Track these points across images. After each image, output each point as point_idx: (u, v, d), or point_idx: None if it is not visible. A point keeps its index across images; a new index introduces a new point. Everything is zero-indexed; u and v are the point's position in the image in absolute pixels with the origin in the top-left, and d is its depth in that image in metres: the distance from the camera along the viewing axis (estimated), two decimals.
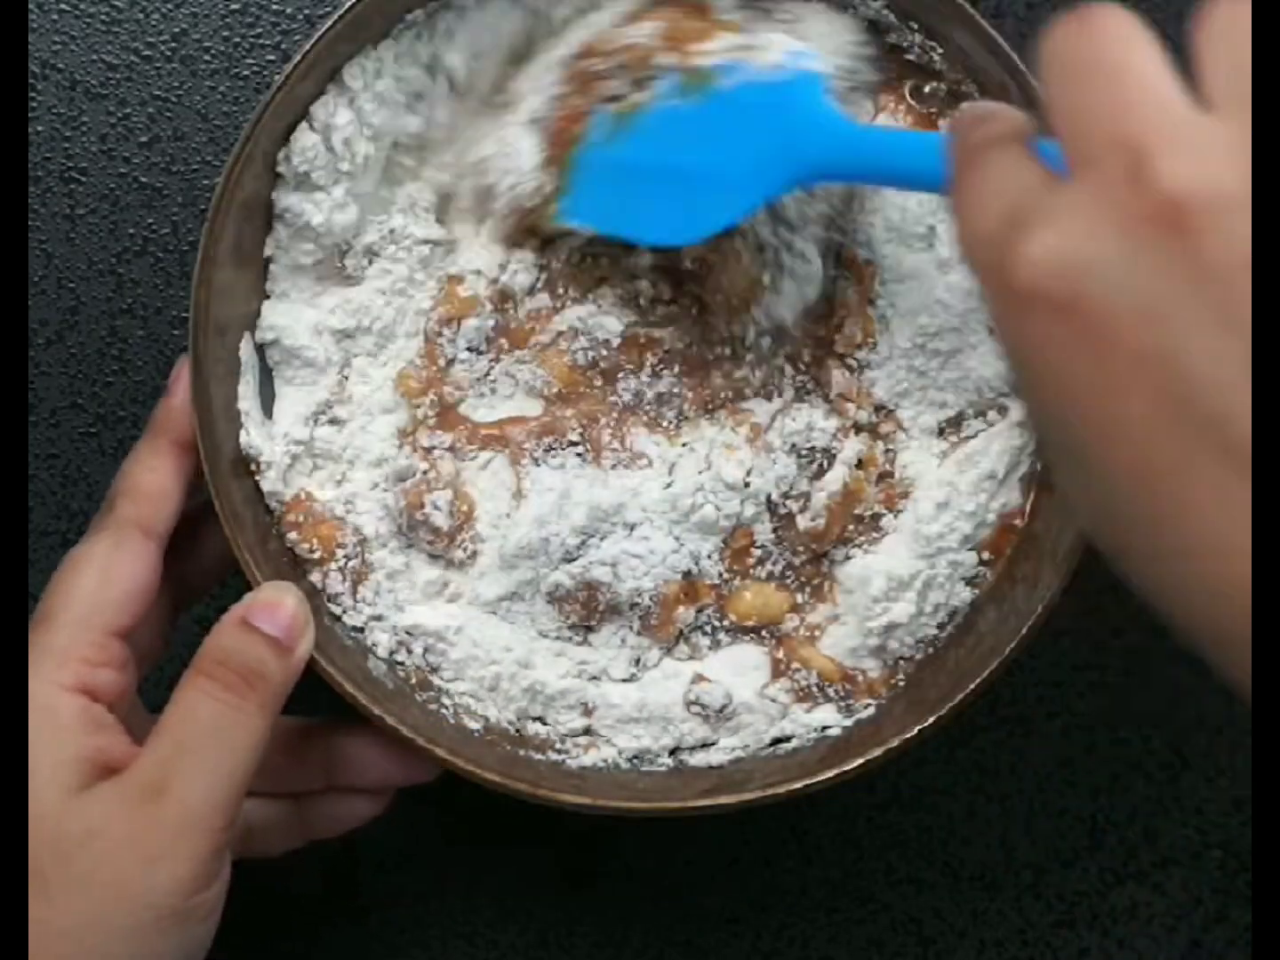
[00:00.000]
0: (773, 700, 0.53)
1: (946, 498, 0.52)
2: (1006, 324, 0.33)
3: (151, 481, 0.48)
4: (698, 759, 0.52)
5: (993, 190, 0.34)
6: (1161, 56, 0.32)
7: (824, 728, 0.53)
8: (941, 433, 0.53)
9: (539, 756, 0.52)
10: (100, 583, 0.46)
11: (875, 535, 0.53)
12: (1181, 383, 0.30)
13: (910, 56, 0.53)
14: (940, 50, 0.52)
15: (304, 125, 0.50)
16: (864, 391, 0.53)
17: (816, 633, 0.53)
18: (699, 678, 0.53)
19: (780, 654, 0.53)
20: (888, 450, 0.53)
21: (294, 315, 0.51)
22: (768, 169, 0.48)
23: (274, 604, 0.46)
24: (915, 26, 0.51)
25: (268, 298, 0.51)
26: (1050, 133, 0.34)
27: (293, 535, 0.51)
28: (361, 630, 0.52)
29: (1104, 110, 0.32)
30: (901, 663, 0.53)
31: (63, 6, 0.57)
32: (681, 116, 0.49)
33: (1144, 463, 0.31)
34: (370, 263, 0.52)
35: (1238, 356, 0.29)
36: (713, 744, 0.53)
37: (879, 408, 0.53)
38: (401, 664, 0.52)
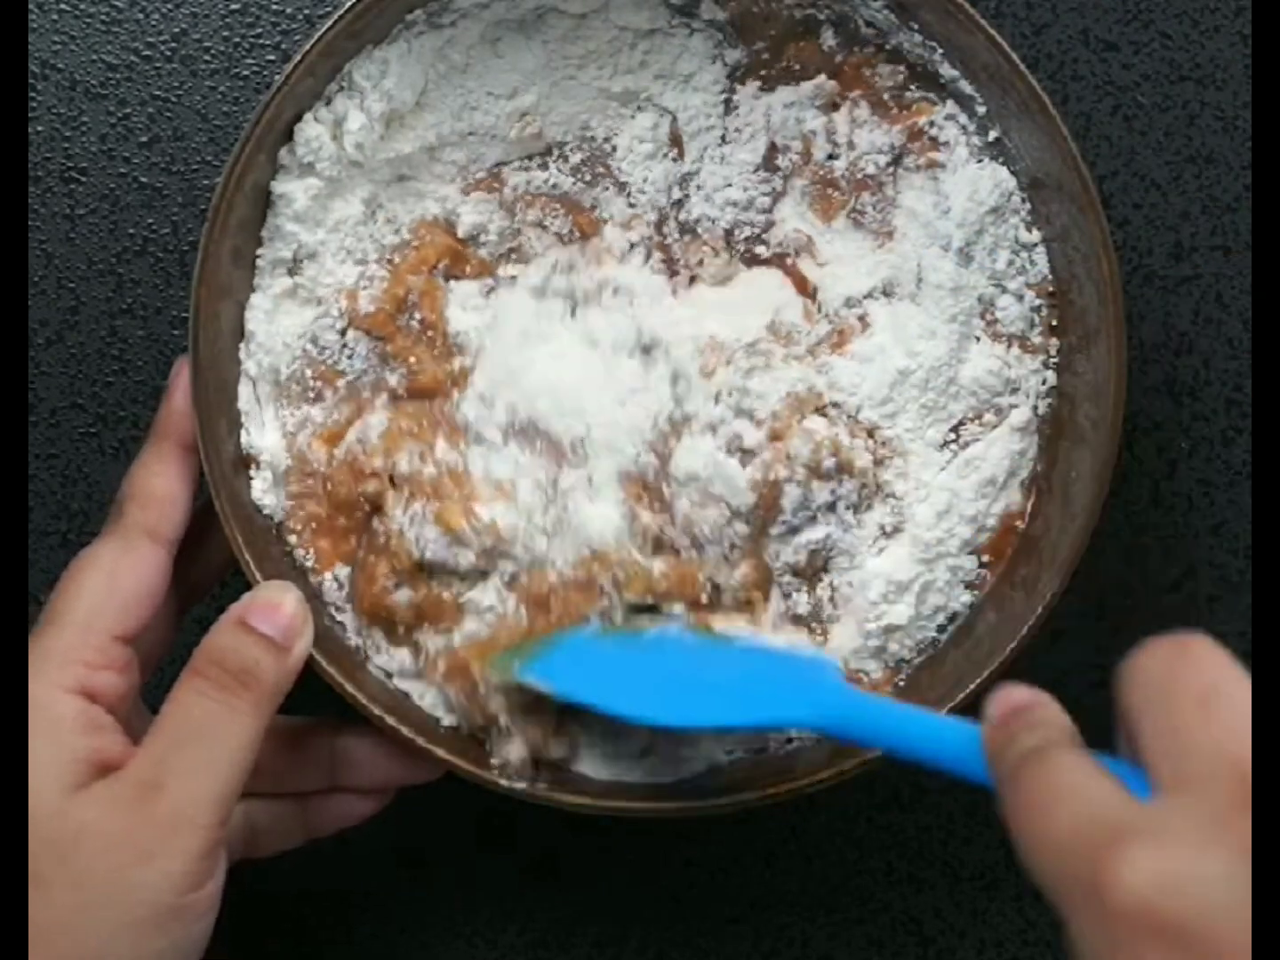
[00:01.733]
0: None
1: (947, 504, 0.52)
2: (1101, 944, 0.32)
3: (158, 485, 0.48)
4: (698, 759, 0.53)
5: (1066, 801, 0.34)
6: (1248, 686, 0.33)
7: None
8: (945, 445, 0.53)
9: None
10: (107, 587, 0.46)
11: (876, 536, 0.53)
12: None
13: (910, 58, 0.53)
14: (941, 51, 0.52)
15: (309, 117, 0.50)
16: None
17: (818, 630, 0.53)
18: None
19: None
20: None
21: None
22: (772, 707, 0.47)
23: (273, 604, 0.46)
24: (915, 27, 0.51)
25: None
26: (1133, 748, 0.34)
27: (292, 539, 0.51)
28: (362, 630, 0.52)
29: (1204, 733, 0.32)
30: (902, 664, 0.53)
31: (63, 6, 0.57)
32: (686, 640, 0.50)
33: None
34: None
35: None
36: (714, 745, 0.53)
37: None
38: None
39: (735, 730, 0.51)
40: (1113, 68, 0.59)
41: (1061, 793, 0.34)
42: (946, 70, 0.52)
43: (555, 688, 0.48)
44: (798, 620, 0.53)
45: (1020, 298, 0.52)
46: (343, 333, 0.52)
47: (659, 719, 0.47)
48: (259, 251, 0.51)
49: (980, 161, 0.52)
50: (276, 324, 0.51)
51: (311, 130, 0.50)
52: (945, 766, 0.43)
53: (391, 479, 0.51)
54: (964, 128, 0.53)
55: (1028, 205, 0.52)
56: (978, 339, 0.53)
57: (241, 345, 0.51)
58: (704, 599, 0.51)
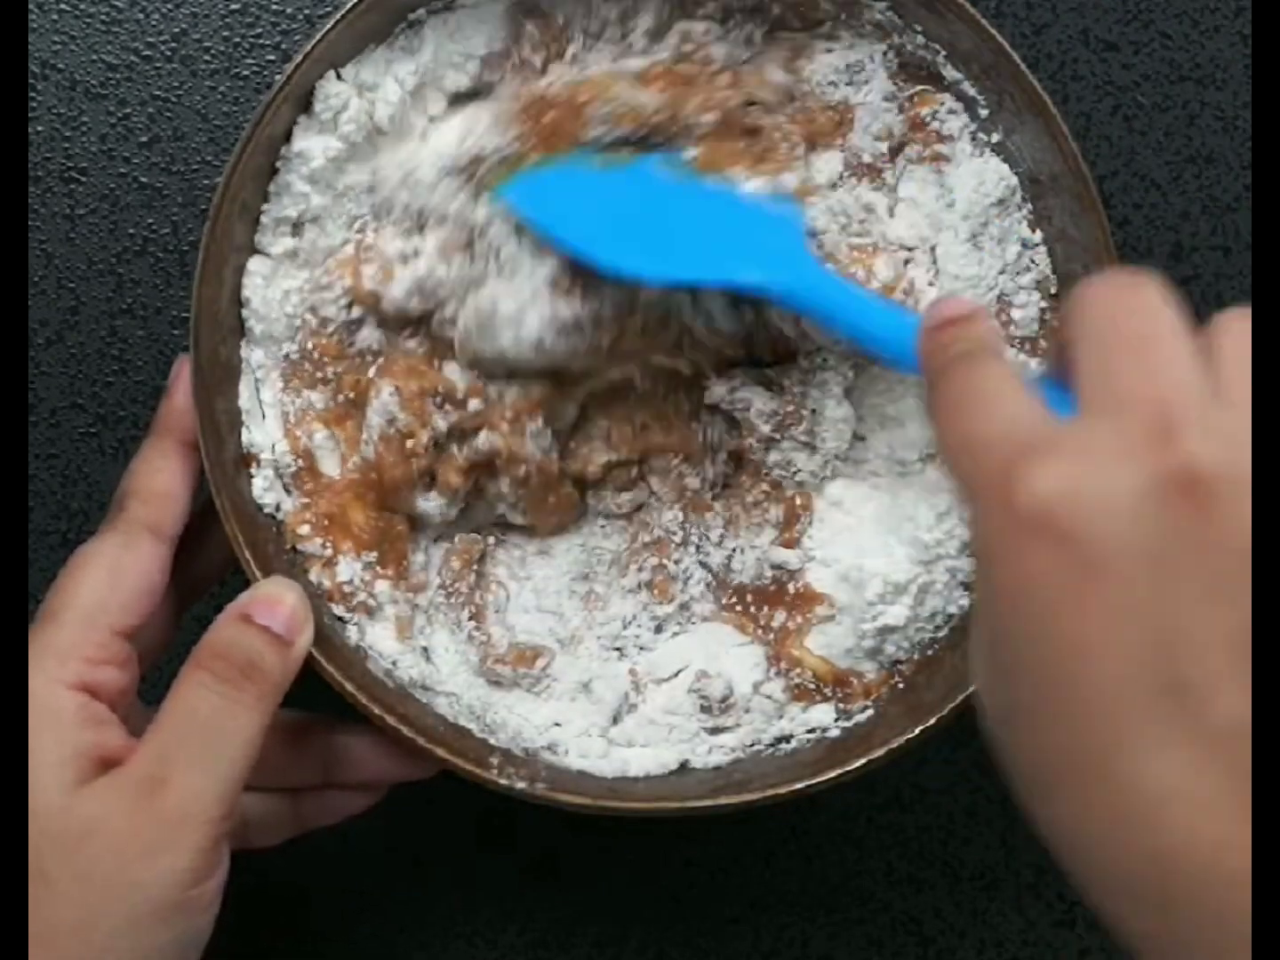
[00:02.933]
0: (769, 698, 0.53)
1: (947, 506, 0.52)
2: (997, 540, 0.34)
3: (160, 482, 0.48)
4: (698, 760, 0.53)
5: (988, 405, 0.36)
6: (1188, 333, 0.34)
7: (822, 729, 0.53)
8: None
9: (540, 756, 0.52)
10: (108, 582, 0.46)
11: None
12: (1167, 643, 0.31)
13: (912, 60, 0.53)
14: (943, 53, 0.52)
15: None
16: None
17: (802, 624, 0.53)
18: (702, 674, 0.53)
19: (775, 652, 0.53)
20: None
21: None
22: (738, 261, 0.48)
23: (274, 599, 0.46)
24: (919, 29, 0.51)
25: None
26: (1063, 369, 0.36)
27: (304, 529, 0.51)
28: (363, 629, 0.52)
29: (1134, 371, 0.34)
30: (899, 666, 0.53)
31: (63, 6, 0.57)
32: (661, 182, 0.49)
33: (1108, 719, 0.32)
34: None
35: (1229, 629, 0.31)
36: (714, 743, 0.53)
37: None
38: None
39: (685, 283, 0.50)
40: (1113, 68, 0.59)
41: (986, 396, 0.36)
42: (949, 72, 0.52)
43: (527, 213, 0.49)
44: None
45: (1031, 296, 0.52)
46: (349, 307, 0.52)
47: (621, 264, 0.48)
48: (263, 207, 0.51)
49: (984, 156, 0.53)
50: (275, 288, 0.51)
51: (334, 88, 0.50)
52: (880, 350, 0.45)
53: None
54: (967, 124, 0.53)
55: (1029, 205, 0.52)
56: None
57: (244, 311, 0.50)
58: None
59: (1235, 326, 0.35)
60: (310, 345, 0.52)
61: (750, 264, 0.48)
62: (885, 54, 0.53)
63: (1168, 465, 0.32)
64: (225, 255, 0.49)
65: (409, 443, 0.51)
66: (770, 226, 0.49)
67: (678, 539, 0.54)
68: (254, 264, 0.50)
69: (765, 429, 0.53)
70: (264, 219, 0.51)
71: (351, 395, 0.52)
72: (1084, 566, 0.32)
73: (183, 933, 0.43)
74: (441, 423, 0.51)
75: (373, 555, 0.52)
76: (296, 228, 0.51)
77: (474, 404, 0.51)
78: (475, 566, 0.54)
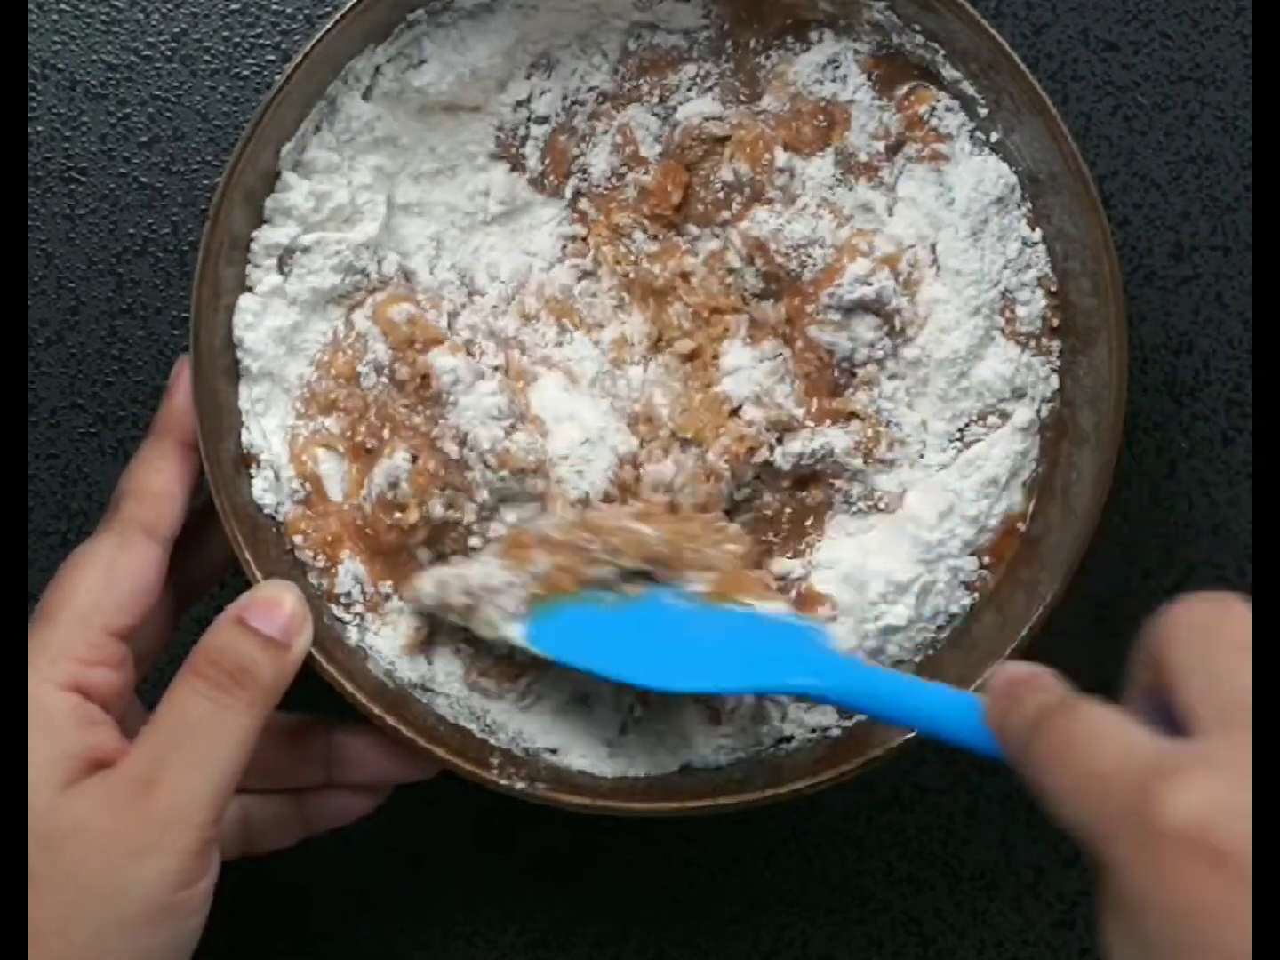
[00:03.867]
0: (770, 699, 0.53)
1: (949, 505, 0.52)
2: (1144, 866, 0.33)
3: (157, 482, 0.48)
4: (699, 760, 0.52)
5: (1099, 741, 0.35)
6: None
7: (823, 729, 0.53)
8: (950, 441, 0.53)
9: (540, 757, 0.52)
10: (103, 582, 0.46)
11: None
12: None
13: (912, 60, 0.53)
14: (943, 52, 0.52)
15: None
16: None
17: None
18: None
19: None
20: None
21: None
22: (767, 672, 0.48)
23: (272, 602, 0.46)
24: (918, 29, 0.51)
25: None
26: (1158, 697, 0.36)
27: (298, 539, 0.51)
28: (363, 629, 0.52)
29: (1240, 681, 0.34)
30: (900, 665, 0.53)
31: (63, 6, 0.57)
32: (678, 609, 0.49)
33: None
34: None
35: None
36: (715, 743, 0.53)
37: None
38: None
39: (729, 692, 0.51)
40: (1113, 68, 0.59)
41: (1097, 734, 0.35)
42: (949, 71, 0.52)
43: (550, 652, 0.49)
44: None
45: (1034, 293, 0.52)
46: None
47: (653, 683, 0.48)
48: (267, 202, 0.51)
49: (983, 155, 0.53)
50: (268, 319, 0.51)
51: (355, 109, 0.51)
52: (940, 733, 0.44)
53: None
54: (965, 122, 0.53)
55: (1028, 203, 0.52)
56: (994, 338, 0.52)
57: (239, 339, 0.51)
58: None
59: None
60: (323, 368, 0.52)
61: (794, 670, 0.47)
62: (856, 52, 0.53)
63: None
64: (225, 255, 0.49)
65: (397, 515, 0.51)
66: (798, 636, 0.49)
67: None
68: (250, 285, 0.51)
69: (856, 462, 0.53)
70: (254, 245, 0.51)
71: (370, 445, 0.52)
72: (1241, 881, 0.31)
73: (170, 935, 0.43)
74: (439, 510, 0.51)
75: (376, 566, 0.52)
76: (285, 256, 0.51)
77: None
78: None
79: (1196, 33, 0.58)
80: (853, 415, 0.53)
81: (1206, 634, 0.35)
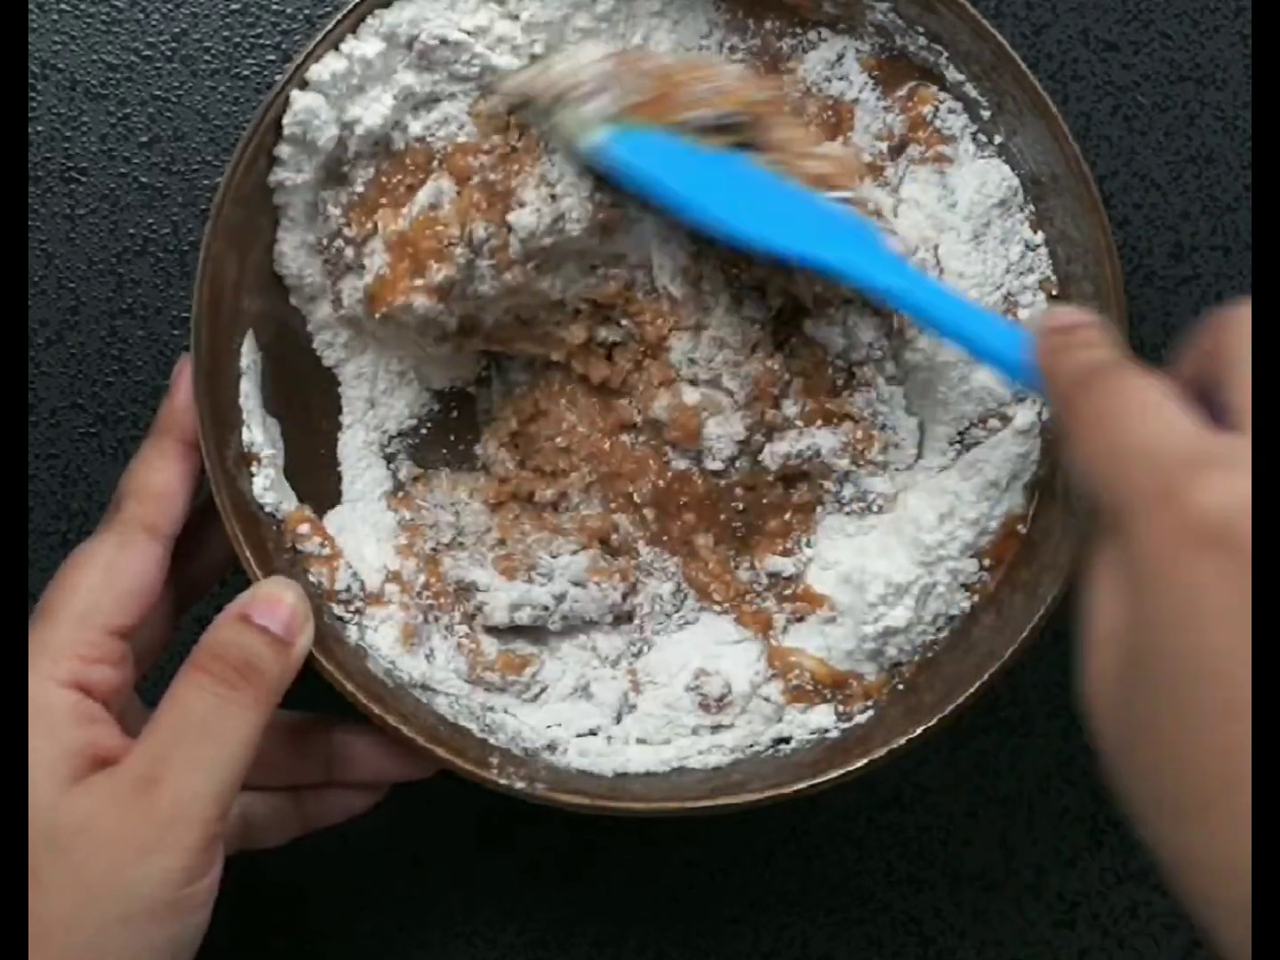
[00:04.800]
0: (766, 699, 0.53)
1: (949, 507, 0.52)
2: (1162, 551, 0.33)
3: (159, 481, 0.48)
4: (697, 760, 0.53)
5: (1143, 415, 0.35)
6: None
7: (822, 730, 0.53)
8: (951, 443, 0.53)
9: (539, 757, 0.52)
10: (103, 581, 0.46)
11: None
12: None
13: (916, 62, 0.53)
14: (946, 54, 0.52)
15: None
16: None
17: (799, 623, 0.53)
18: (701, 671, 0.53)
19: (774, 654, 0.53)
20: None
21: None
22: (834, 249, 0.48)
23: (274, 599, 0.46)
24: (921, 30, 0.51)
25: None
26: (1208, 391, 0.35)
27: (304, 529, 0.51)
28: (363, 628, 0.52)
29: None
30: (900, 667, 0.53)
31: (63, 6, 0.57)
32: (758, 171, 0.49)
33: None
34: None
35: None
36: (714, 742, 0.53)
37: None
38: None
39: (792, 253, 0.49)
40: (1113, 68, 0.59)
41: (1138, 406, 0.35)
42: (952, 74, 0.52)
43: (631, 159, 0.48)
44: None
45: (1036, 296, 0.52)
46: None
47: (724, 219, 0.48)
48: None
49: (986, 157, 0.53)
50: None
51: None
52: (980, 352, 0.45)
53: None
54: (968, 124, 0.53)
55: (1031, 206, 0.52)
56: None
57: (246, 340, 0.50)
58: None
59: None
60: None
61: (857, 254, 0.48)
62: (858, 50, 0.53)
63: None
64: (226, 255, 0.49)
65: (439, 229, 0.50)
66: (865, 232, 0.49)
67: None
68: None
69: (843, 464, 0.53)
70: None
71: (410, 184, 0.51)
72: (1247, 568, 0.32)
73: (175, 932, 0.43)
74: (482, 232, 0.50)
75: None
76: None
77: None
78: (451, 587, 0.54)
79: (1196, 33, 0.58)
80: (846, 417, 0.53)
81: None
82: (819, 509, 0.54)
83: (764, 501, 0.54)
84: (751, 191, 0.49)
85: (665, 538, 0.55)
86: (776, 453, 0.52)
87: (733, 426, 0.52)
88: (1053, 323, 0.40)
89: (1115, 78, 0.59)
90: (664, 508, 0.54)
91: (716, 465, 0.53)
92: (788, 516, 0.54)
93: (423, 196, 0.50)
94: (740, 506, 0.54)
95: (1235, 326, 0.36)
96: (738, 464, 0.53)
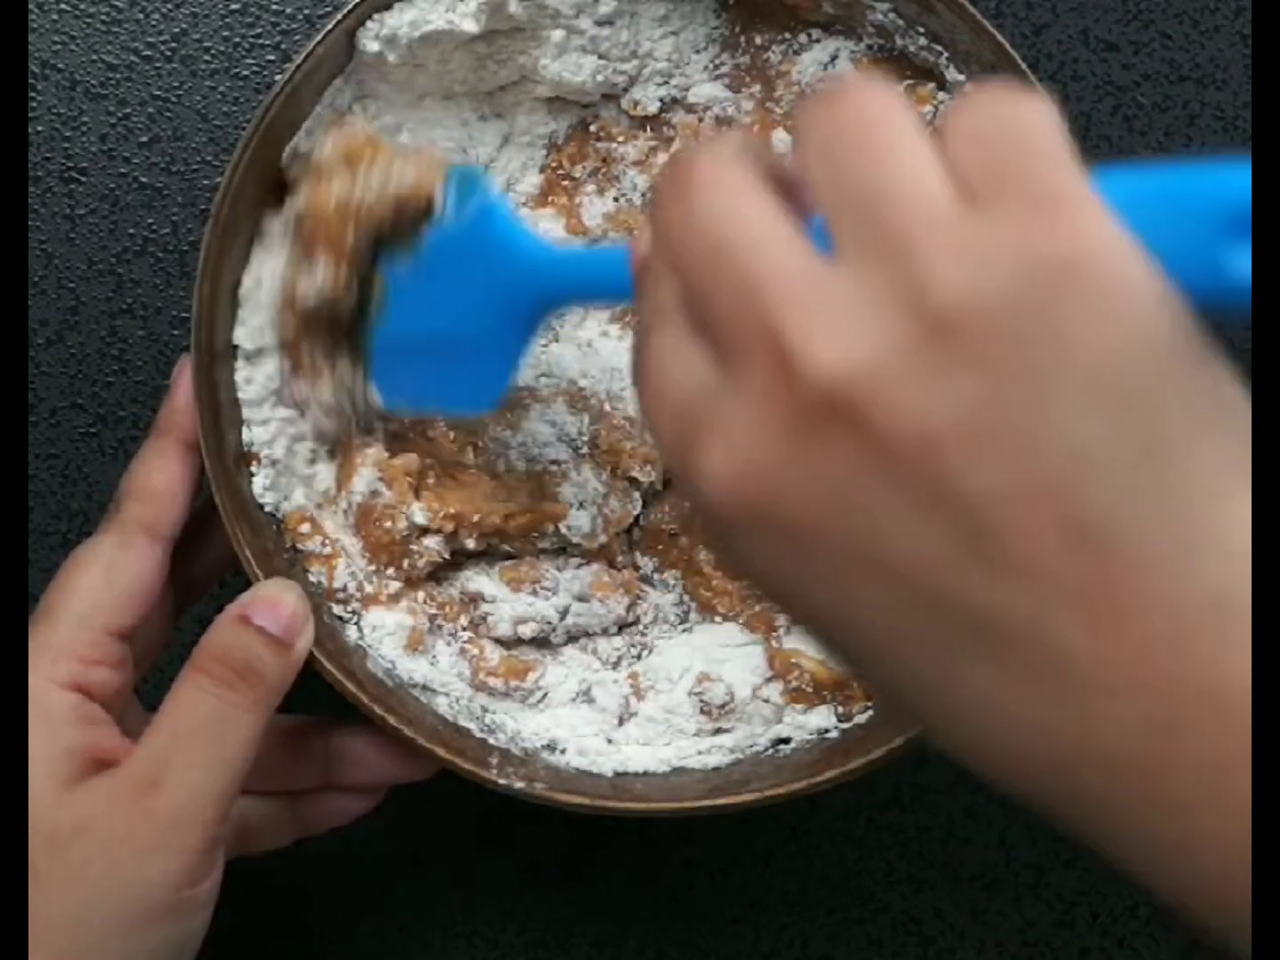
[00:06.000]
0: (766, 701, 0.53)
1: None
2: (710, 530, 0.31)
3: (159, 482, 0.48)
4: (697, 760, 0.52)
5: (666, 379, 0.31)
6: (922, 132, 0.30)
7: (822, 730, 0.52)
8: None
9: (539, 757, 0.52)
10: (103, 582, 0.46)
11: None
12: (896, 573, 0.28)
13: (916, 62, 0.53)
14: (946, 55, 0.52)
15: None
16: None
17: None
18: (704, 677, 0.53)
19: (774, 655, 0.53)
20: None
21: None
22: (509, 314, 0.47)
23: (274, 600, 0.46)
24: (921, 30, 0.51)
25: None
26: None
27: (304, 528, 0.51)
28: (362, 628, 0.52)
29: (865, 197, 0.29)
30: None
31: (63, 6, 0.57)
32: (415, 281, 0.48)
33: (895, 654, 0.30)
34: None
35: (946, 532, 0.28)
36: (714, 743, 0.53)
37: None
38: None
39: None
40: (1113, 68, 0.59)
41: (665, 369, 0.31)
42: (952, 74, 0.52)
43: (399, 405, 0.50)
44: None
45: None
46: None
47: (473, 407, 0.49)
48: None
49: None
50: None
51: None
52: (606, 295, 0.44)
53: None
54: None
55: None
56: None
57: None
58: None
59: (962, 105, 0.29)
60: None
61: (516, 305, 0.46)
62: (852, 51, 0.53)
63: (920, 320, 0.28)
64: (226, 254, 0.49)
65: (386, 524, 0.51)
66: (489, 233, 0.47)
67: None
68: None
69: None
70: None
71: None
72: (791, 545, 0.29)
73: (176, 934, 0.43)
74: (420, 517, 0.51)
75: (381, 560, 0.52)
76: None
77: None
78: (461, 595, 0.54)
79: (1196, 33, 0.58)
80: None
81: (823, 129, 0.30)
82: None
83: None
84: (442, 318, 0.48)
85: (667, 555, 0.55)
86: None
87: None
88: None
89: (1115, 78, 0.59)
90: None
91: None
92: None
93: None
94: None
95: (798, 130, 0.31)
96: None
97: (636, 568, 0.54)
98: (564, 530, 0.52)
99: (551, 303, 0.47)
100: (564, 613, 0.53)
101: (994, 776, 0.30)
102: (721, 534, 0.30)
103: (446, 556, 0.52)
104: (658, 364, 0.32)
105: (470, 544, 0.52)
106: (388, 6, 0.49)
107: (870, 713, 0.52)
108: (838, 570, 0.29)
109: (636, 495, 0.53)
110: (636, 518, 0.54)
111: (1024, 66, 0.49)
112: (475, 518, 0.51)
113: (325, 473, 0.52)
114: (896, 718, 0.33)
